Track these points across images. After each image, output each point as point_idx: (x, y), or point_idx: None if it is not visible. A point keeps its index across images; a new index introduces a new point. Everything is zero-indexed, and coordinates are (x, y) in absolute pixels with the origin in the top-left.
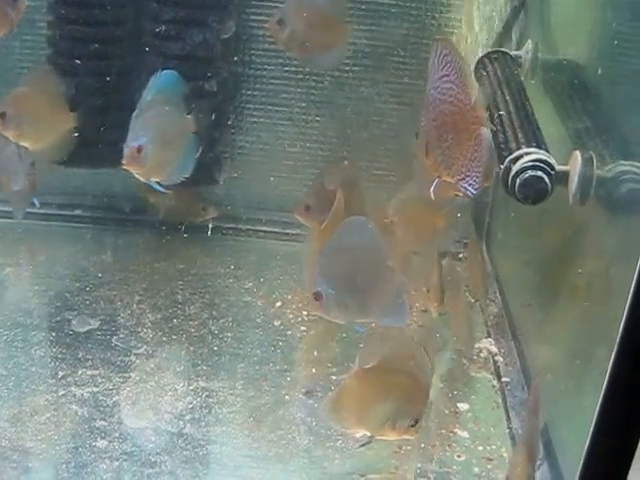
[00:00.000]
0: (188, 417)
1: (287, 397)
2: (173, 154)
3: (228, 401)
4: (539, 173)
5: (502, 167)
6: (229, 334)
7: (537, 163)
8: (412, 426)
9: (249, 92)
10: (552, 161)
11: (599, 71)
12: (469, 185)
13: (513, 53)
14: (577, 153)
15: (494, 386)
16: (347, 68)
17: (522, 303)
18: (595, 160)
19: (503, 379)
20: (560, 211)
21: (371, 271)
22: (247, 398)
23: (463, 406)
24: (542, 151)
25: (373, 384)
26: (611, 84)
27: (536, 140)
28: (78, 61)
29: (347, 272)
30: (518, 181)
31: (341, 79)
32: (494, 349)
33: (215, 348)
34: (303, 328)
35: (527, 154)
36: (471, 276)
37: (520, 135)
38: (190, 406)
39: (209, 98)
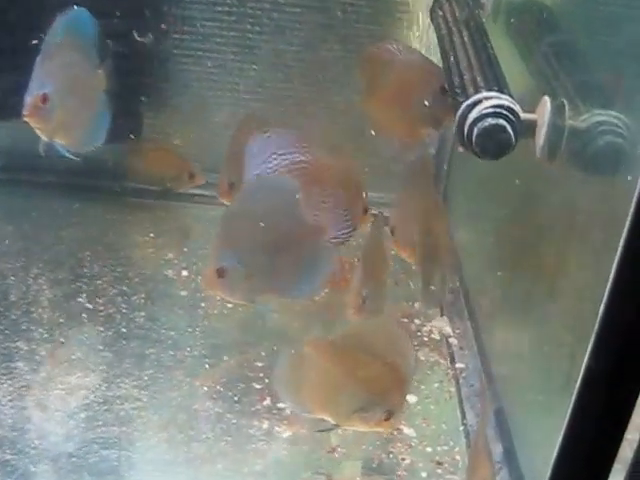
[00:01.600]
0: (82, 416)
1: (204, 389)
2: (83, 114)
3: (132, 395)
4: (501, 121)
5: (457, 115)
6: (141, 313)
7: (499, 109)
8: (386, 420)
9: (176, 35)
10: (517, 108)
11: (572, 14)
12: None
13: None
14: (546, 99)
15: (447, 373)
16: (287, 9)
17: (481, 277)
18: (567, 108)
19: (457, 365)
20: (524, 168)
21: (286, 236)
22: (155, 391)
23: (410, 398)
24: (505, 96)
25: (344, 360)
26: (585, 28)
27: (498, 84)
28: None
29: (257, 240)
30: (476, 130)
31: (281, 22)
32: (448, 329)
33: (123, 330)
34: (230, 306)
35: (487, 99)
36: None
37: (479, 79)
38: (85, 402)
39: (127, 45)
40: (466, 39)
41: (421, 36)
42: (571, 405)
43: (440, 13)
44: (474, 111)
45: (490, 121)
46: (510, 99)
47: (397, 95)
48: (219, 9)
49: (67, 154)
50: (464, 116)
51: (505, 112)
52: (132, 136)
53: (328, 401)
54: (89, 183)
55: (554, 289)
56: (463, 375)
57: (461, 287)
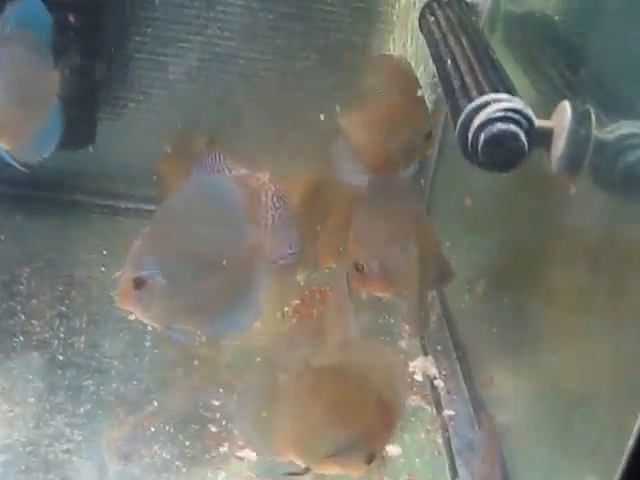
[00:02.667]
0: (0, 459)
1: (150, 430)
2: (33, 119)
3: (63, 435)
4: (512, 127)
5: (459, 120)
6: (81, 339)
7: (509, 113)
8: (367, 462)
9: (138, 38)
10: (529, 112)
11: (584, 21)
12: None
13: (469, 0)
14: (566, 104)
15: (434, 421)
16: (260, 15)
17: (474, 311)
18: (593, 115)
19: (446, 412)
20: (534, 185)
21: (223, 250)
22: (92, 431)
23: (393, 450)
24: (516, 98)
25: (319, 394)
26: (602, 35)
27: (505, 87)
28: None
29: (187, 251)
30: (482, 137)
31: (253, 28)
32: (433, 371)
33: (59, 358)
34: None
35: (496, 101)
36: None
37: (483, 81)
38: (7, 442)
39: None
40: (464, 42)
41: (405, 45)
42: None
43: (432, 19)
44: (480, 115)
45: (500, 126)
46: (522, 102)
47: (381, 128)
48: (186, 11)
49: (13, 163)
50: (468, 121)
51: (517, 116)
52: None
53: (302, 440)
54: (34, 194)
55: (570, 330)
56: (452, 424)
57: (447, 322)
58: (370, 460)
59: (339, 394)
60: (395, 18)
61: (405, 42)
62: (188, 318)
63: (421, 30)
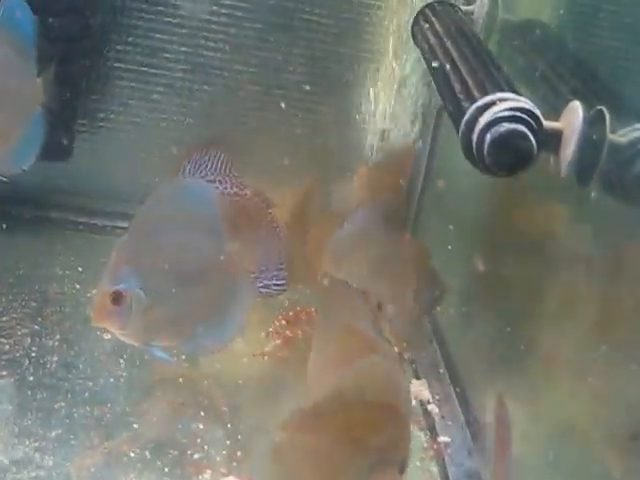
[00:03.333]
0: None
1: (127, 456)
2: (14, 129)
3: (33, 461)
4: (520, 127)
5: (462, 120)
6: (53, 359)
7: (517, 113)
8: (401, 472)
9: (119, 47)
10: (538, 112)
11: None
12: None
13: (463, 8)
14: (576, 105)
15: (426, 449)
16: (246, 24)
17: (469, 334)
18: (608, 117)
19: (441, 439)
20: (538, 193)
21: (203, 260)
22: (63, 456)
23: None
24: (524, 98)
25: (335, 431)
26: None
27: (510, 86)
28: None
29: (165, 260)
30: (489, 137)
31: (238, 38)
32: (426, 395)
33: (30, 379)
34: None
35: (502, 100)
36: None
37: (487, 81)
38: None
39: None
40: (463, 46)
41: (393, 57)
42: None
43: (426, 25)
44: (486, 114)
45: (507, 126)
46: (529, 102)
47: None
48: (169, 20)
49: None
50: (472, 122)
51: (525, 116)
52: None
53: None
54: (9, 210)
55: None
56: (448, 451)
57: (440, 349)
58: (403, 468)
59: (356, 419)
60: (385, 29)
61: (396, 53)
62: (168, 333)
63: (414, 38)
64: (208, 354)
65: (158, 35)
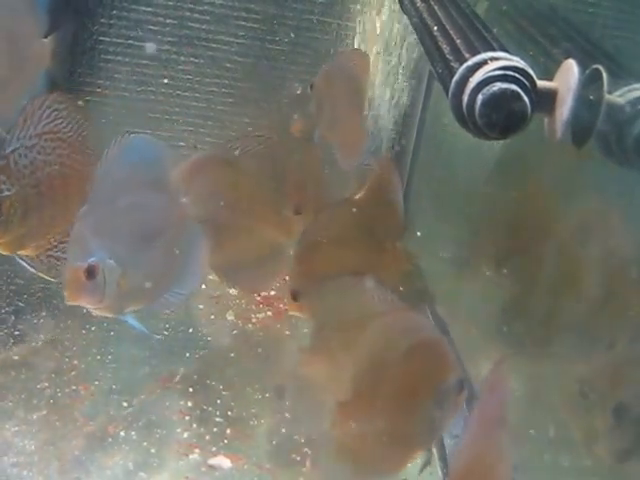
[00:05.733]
0: None
1: (112, 437)
2: (19, 83)
3: (14, 445)
4: (513, 86)
5: (452, 81)
6: (39, 336)
7: (510, 72)
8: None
9: (103, 20)
10: (531, 71)
11: None
12: None
13: None
14: (571, 63)
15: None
16: None
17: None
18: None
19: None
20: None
21: (157, 215)
22: (46, 440)
23: None
24: (516, 57)
25: (393, 390)
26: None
27: (501, 46)
28: None
29: (126, 224)
30: (480, 98)
31: (225, 9)
32: None
33: (14, 357)
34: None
35: (494, 60)
36: None
37: (477, 42)
38: None
39: None
40: (451, 9)
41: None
42: None
43: None
44: (477, 74)
45: (500, 85)
46: (522, 61)
47: None
48: None
49: None
50: (462, 82)
51: (518, 75)
52: None
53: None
54: None
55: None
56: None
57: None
58: (462, 388)
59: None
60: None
61: (382, 22)
62: (139, 298)
63: (401, 5)
64: (176, 308)
65: (143, 7)
